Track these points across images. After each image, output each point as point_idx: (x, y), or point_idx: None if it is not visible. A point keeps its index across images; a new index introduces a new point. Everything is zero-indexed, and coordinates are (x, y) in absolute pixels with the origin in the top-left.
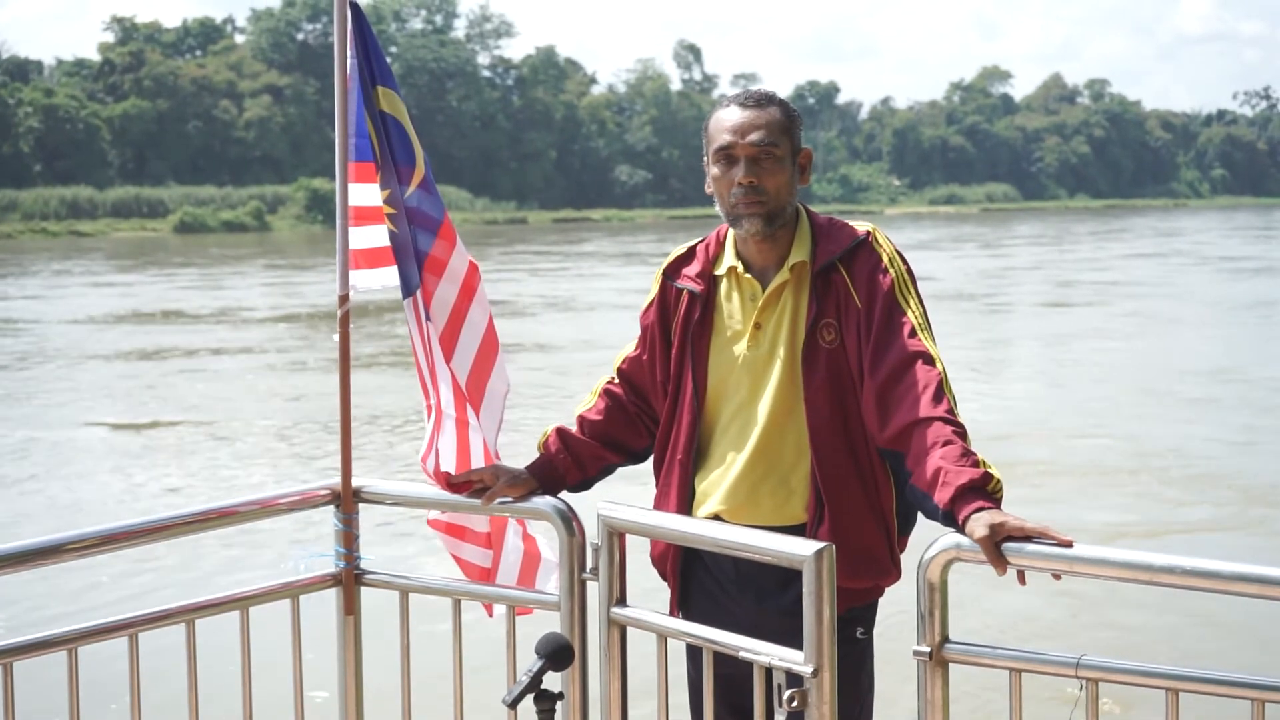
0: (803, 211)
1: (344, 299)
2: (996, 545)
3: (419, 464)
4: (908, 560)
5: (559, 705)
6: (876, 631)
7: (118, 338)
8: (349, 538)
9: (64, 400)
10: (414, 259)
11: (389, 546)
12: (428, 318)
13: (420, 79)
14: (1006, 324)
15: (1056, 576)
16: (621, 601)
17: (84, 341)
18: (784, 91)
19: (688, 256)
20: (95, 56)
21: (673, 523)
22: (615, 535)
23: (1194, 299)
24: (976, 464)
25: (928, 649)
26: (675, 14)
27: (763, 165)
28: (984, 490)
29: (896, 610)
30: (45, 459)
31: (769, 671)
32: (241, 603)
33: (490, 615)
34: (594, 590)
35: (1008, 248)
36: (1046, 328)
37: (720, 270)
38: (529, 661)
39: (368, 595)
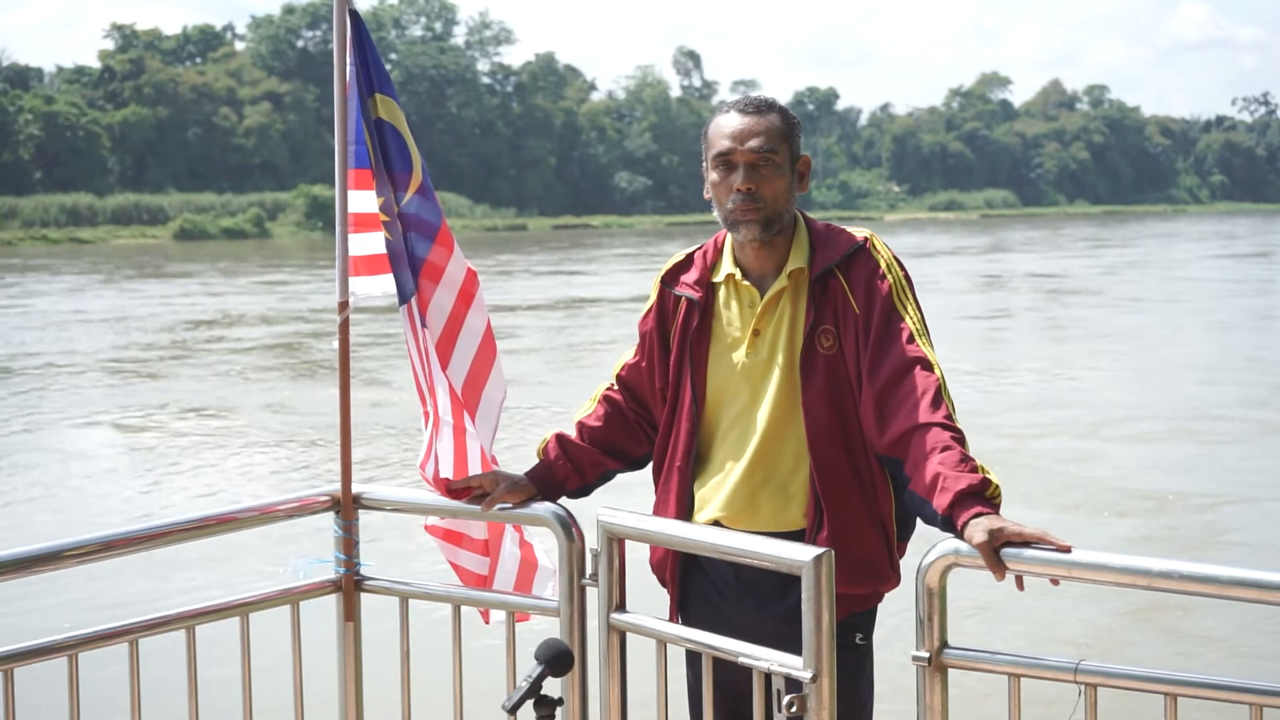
0: (800, 218)
1: (344, 305)
2: (995, 550)
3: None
4: (907, 566)
5: (559, 711)
6: (875, 637)
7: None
8: (349, 544)
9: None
10: (409, 266)
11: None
12: (423, 324)
13: (420, 86)
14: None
15: (1055, 581)
16: (621, 607)
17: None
18: (783, 98)
19: (686, 263)
20: (95, 64)
21: (672, 528)
22: (614, 541)
23: None
24: (975, 469)
25: (926, 654)
26: (675, 21)
27: (761, 172)
28: (982, 495)
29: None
30: (60, 463)
31: (768, 677)
32: (241, 609)
33: (487, 622)
34: (593, 596)
35: (1078, 248)
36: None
37: (718, 277)
38: (528, 667)
39: (367, 601)
